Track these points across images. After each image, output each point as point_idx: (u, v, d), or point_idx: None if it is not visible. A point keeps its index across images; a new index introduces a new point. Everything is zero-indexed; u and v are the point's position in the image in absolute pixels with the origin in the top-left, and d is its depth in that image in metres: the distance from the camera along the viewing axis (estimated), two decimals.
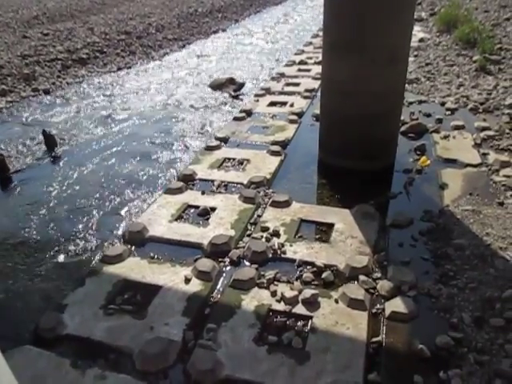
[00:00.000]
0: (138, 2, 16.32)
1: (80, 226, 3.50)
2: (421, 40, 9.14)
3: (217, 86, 7.15)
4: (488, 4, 12.52)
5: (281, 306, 2.46)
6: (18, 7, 15.18)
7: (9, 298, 2.78)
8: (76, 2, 16.11)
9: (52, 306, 2.58)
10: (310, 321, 2.36)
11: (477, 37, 8.01)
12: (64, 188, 4.11)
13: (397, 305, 2.42)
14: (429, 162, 4.04)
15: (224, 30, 12.77)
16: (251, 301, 2.51)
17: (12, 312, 2.66)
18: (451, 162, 4.06)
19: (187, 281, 2.67)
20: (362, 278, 2.63)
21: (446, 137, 4.56)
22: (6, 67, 7.90)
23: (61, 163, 4.68)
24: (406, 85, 5.48)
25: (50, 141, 5.00)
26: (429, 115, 5.17)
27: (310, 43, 9.75)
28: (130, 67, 8.84)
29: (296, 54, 8.91)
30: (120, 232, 3.36)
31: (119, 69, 8.70)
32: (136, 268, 2.82)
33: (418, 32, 9.69)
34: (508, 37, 8.59)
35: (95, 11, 14.40)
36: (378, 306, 2.47)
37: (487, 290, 2.50)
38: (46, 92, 7.18)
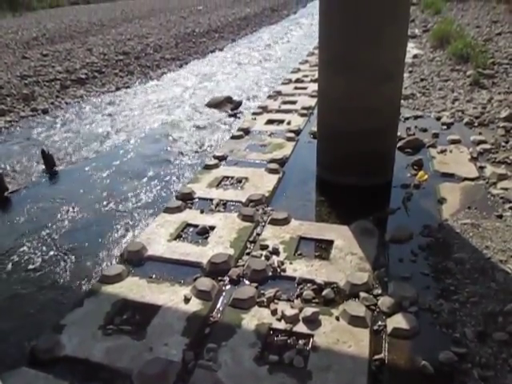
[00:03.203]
0: (136, 23, 16.58)
1: (78, 246, 3.49)
2: (415, 56, 9.26)
3: (214, 104, 7.21)
4: (479, 20, 12.74)
5: (281, 325, 2.43)
6: (17, 28, 15.41)
7: (5, 318, 2.75)
8: (75, 24, 16.36)
9: (49, 327, 2.55)
10: (311, 339, 2.34)
11: (470, 52, 8.12)
12: (62, 207, 4.11)
13: (398, 321, 2.40)
14: (426, 176, 4.05)
15: (221, 50, 12.95)
16: (251, 320, 2.48)
17: (9, 333, 2.63)
18: (449, 176, 4.08)
19: (187, 300, 2.65)
20: (362, 294, 2.61)
21: (442, 151, 4.59)
22: (6, 87, 7.98)
23: (59, 182, 4.70)
24: (402, 100, 5.53)
25: (48, 160, 5.02)
26: (425, 130, 5.21)
27: (306, 61, 9.86)
28: (128, 87, 8.93)
29: (292, 72, 9.01)
30: (119, 251, 3.35)
31: (117, 89, 8.79)
32: (135, 288, 2.80)
33: (412, 48, 9.83)
34: (500, 51, 8.71)
35: (94, 32, 14.61)
36: (380, 322, 2.44)
37: (489, 304, 2.48)
38: (45, 112, 7.25)
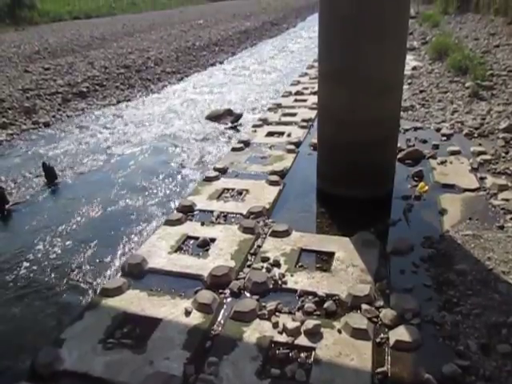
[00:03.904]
0: (137, 37, 16.75)
1: (79, 259, 3.48)
2: (414, 68, 9.34)
3: (215, 117, 7.25)
4: (477, 32, 12.87)
5: (283, 338, 2.41)
6: (20, 42, 15.56)
7: (5, 332, 2.73)
8: (77, 38, 16.53)
9: (49, 341, 2.53)
10: (313, 352, 2.31)
11: (468, 64, 8.18)
12: (63, 220, 4.11)
13: (401, 333, 2.38)
14: (427, 187, 4.05)
15: (221, 63, 13.06)
16: (253, 333, 2.46)
17: (8, 347, 2.61)
18: (449, 188, 4.08)
19: (187, 313, 2.63)
20: (364, 306, 2.59)
21: (442, 162, 4.60)
22: (7, 100, 8.03)
23: (60, 195, 4.70)
24: (402, 112, 5.56)
25: (49, 173, 5.03)
26: (425, 141, 5.22)
27: (306, 74, 9.93)
28: (129, 100, 8.98)
29: (292, 84, 9.07)
30: (119, 264, 3.34)
31: (119, 102, 8.84)
32: (135, 301, 2.78)
33: (410, 60, 9.91)
34: (499, 63, 8.78)
35: (95, 46, 14.75)
36: (382, 335, 2.42)
37: (492, 315, 2.46)
38: (47, 125, 7.28)
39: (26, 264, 3.46)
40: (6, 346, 2.63)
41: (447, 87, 7.54)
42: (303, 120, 6.28)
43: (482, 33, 12.63)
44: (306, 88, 8.34)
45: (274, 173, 4.55)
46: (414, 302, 2.59)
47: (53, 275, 3.30)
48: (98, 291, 2.96)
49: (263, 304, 2.67)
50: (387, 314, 2.52)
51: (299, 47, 15.67)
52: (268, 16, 25.19)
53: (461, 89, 7.30)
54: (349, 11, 3.50)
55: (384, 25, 3.51)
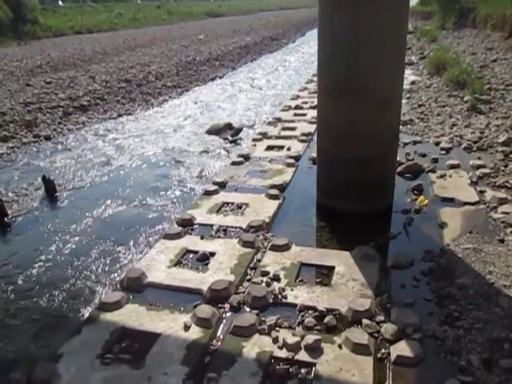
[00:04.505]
0: (138, 52, 16.92)
1: (78, 273, 3.46)
2: (412, 82, 9.41)
3: (215, 131, 7.28)
4: (475, 47, 13.01)
5: (283, 353, 2.39)
6: (22, 57, 15.72)
7: (2, 347, 2.70)
8: (78, 52, 16.70)
9: (46, 356, 2.51)
10: (313, 368, 2.29)
11: (466, 78, 8.26)
12: (62, 234, 4.10)
13: (402, 348, 2.35)
14: (427, 201, 4.05)
15: (221, 77, 13.17)
16: (252, 348, 2.44)
17: (5, 362, 2.58)
18: (449, 201, 4.08)
19: (186, 328, 2.61)
20: (365, 321, 2.58)
21: (442, 176, 4.61)
22: (9, 114, 8.07)
23: (60, 209, 4.69)
24: (401, 126, 5.59)
25: (49, 186, 5.03)
26: (424, 155, 5.24)
27: (305, 88, 10.02)
28: (130, 114, 9.03)
29: (292, 99, 9.14)
30: (118, 278, 3.32)
31: (119, 115, 8.89)
32: (134, 315, 2.76)
33: (409, 75, 9.99)
34: (496, 77, 8.86)
35: (97, 60, 14.90)
36: (383, 350, 2.40)
37: (494, 330, 2.44)
38: (47, 138, 7.31)
39: (24, 276, 3.43)
40: (2, 360, 2.60)
41: (446, 101, 7.59)
42: (303, 134, 6.31)
43: (480, 47, 12.77)
44: (306, 102, 8.40)
45: (273, 187, 4.56)
46: (415, 317, 2.58)
47: (50, 287, 3.27)
48: (97, 305, 2.93)
49: (263, 319, 2.65)
50: (388, 329, 2.50)
51: (298, 62, 15.82)
52: (268, 31, 25.49)
53: (459, 103, 7.36)
54: (348, 27, 3.54)
55: (383, 40, 3.55)
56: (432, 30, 16.81)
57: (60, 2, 41.78)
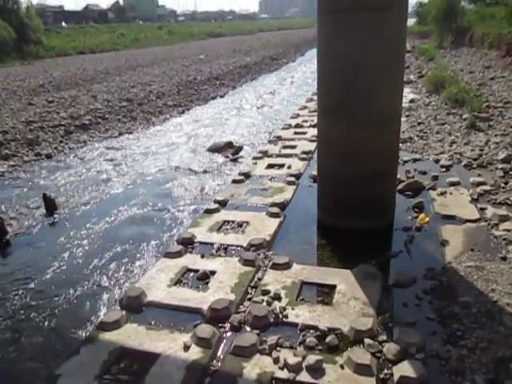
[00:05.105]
0: (140, 71, 17.13)
1: (77, 291, 3.43)
2: (411, 101, 9.49)
3: (215, 149, 7.32)
4: (472, 65, 13.17)
5: (284, 374, 2.35)
6: (25, 76, 15.93)
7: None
8: (81, 72, 16.92)
9: (44, 377, 2.47)
10: None
11: (465, 96, 8.34)
12: (62, 252, 4.08)
13: (405, 369, 2.32)
14: (428, 219, 4.04)
15: (222, 96, 13.30)
16: (253, 368, 2.40)
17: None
18: (450, 219, 4.07)
19: (186, 348, 2.58)
20: (367, 341, 2.54)
21: (442, 193, 4.60)
22: (11, 132, 8.14)
23: (60, 227, 4.68)
24: (401, 144, 5.61)
25: (50, 204, 5.04)
26: (424, 173, 5.25)
27: (305, 107, 10.09)
28: (131, 132, 9.10)
29: (292, 117, 9.20)
30: (118, 297, 3.29)
31: (120, 134, 8.95)
32: (133, 335, 2.73)
33: (408, 93, 10.08)
34: (494, 95, 8.95)
35: (99, 80, 15.08)
36: (386, 370, 2.36)
37: (499, 349, 2.41)
38: (49, 156, 7.35)
39: (23, 294, 3.41)
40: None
41: (445, 119, 7.64)
42: (303, 152, 6.33)
43: (477, 66, 12.92)
44: (306, 121, 8.45)
45: (274, 205, 4.55)
46: (417, 336, 2.54)
47: (49, 306, 3.24)
48: (96, 325, 2.90)
49: (264, 338, 2.62)
50: (391, 349, 2.47)
51: (298, 81, 15.99)
52: (268, 51, 25.86)
53: (458, 120, 7.40)
54: (347, 49, 3.59)
55: (382, 60, 3.59)
56: (430, 49, 17.04)
57: (63, 23, 42.57)
